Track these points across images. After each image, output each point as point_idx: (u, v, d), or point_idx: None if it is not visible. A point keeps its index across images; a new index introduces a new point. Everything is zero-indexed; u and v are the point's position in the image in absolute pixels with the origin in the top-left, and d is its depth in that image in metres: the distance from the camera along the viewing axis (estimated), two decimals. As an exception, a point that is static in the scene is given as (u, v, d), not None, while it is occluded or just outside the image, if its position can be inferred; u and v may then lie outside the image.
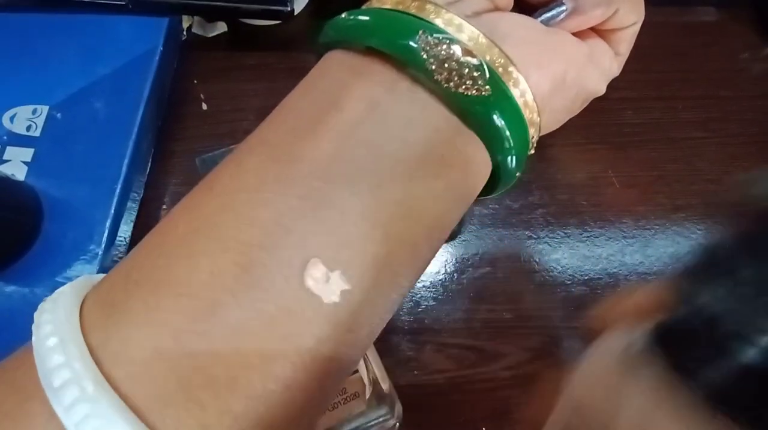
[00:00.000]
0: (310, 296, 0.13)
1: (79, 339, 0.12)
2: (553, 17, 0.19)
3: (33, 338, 0.13)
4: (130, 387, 0.12)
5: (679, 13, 0.32)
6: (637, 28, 0.21)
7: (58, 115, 0.27)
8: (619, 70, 0.22)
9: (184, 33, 0.31)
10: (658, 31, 0.32)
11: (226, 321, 0.13)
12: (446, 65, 0.15)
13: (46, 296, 0.15)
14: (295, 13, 0.29)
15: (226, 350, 0.12)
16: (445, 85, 0.15)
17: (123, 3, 0.28)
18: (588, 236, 0.28)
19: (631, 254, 0.28)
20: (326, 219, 0.14)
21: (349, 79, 0.16)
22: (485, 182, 0.17)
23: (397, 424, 0.23)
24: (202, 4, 0.29)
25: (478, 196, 0.18)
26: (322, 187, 0.14)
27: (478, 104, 0.15)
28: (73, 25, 0.28)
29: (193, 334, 0.12)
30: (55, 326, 0.13)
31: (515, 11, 0.18)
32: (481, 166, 0.16)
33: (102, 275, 0.15)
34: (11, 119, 0.26)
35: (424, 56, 0.15)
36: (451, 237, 0.28)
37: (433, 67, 0.15)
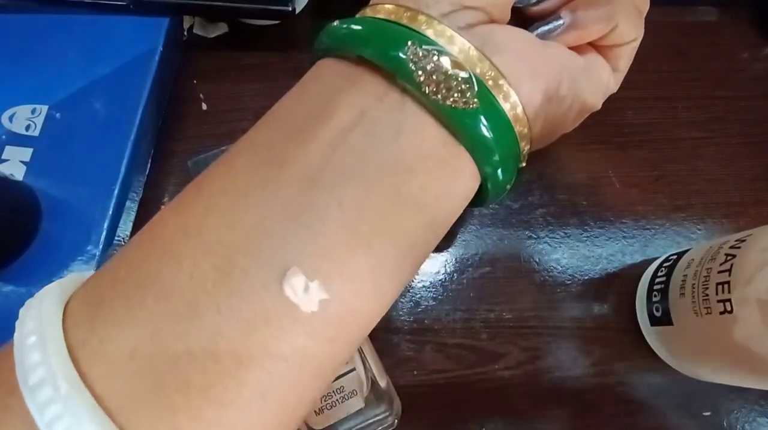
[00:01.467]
0: (287, 304, 0.13)
1: (59, 337, 0.12)
2: (550, 31, 0.19)
3: (15, 334, 0.13)
4: (105, 387, 0.12)
5: (679, 13, 0.32)
6: (636, 44, 0.21)
7: (58, 115, 0.27)
8: (617, 87, 0.21)
9: (185, 33, 0.31)
10: (658, 31, 0.31)
11: (203, 325, 0.13)
12: (434, 77, 0.15)
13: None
14: (296, 13, 0.29)
15: (202, 354, 0.12)
16: (433, 97, 0.15)
17: (123, 3, 0.28)
18: (588, 236, 0.28)
19: (631, 254, 0.28)
20: (307, 226, 0.14)
21: (341, 87, 0.16)
22: (474, 194, 0.17)
23: (396, 421, 0.23)
24: (203, 4, 0.29)
25: (470, 206, 0.18)
26: (307, 193, 0.14)
27: (467, 117, 0.15)
28: (73, 25, 0.28)
29: (171, 336, 0.12)
30: (37, 323, 0.13)
31: (512, 24, 0.18)
32: (469, 178, 0.16)
33: (91, 272, 0.15)
34: (10, 119, 0.26)
35: (413, 68, 0.15)
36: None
37: (422, 78, 0.15)
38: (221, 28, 0.32)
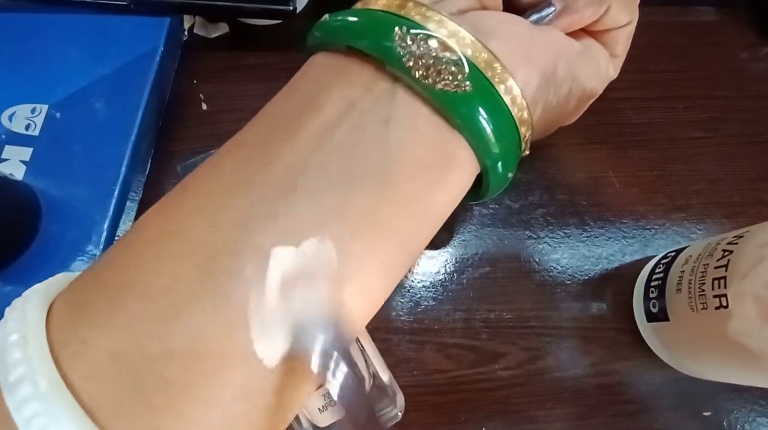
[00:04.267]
0: (271, 303, 0.13)
1: (41, 337, 0.12)
2: (542, 18, 0.19)
3: None
4: (85, 387, 0.12)
5: (678, 13, 0.32)
6: (631, 28, 0.20)
7: (58, 114, 0.27)
8: (617, 73, 0.21)
9: (186, 34, 0.31)
10: (658, 31, 0.32)
11: (186, 325, 0.12)
12: (423, 61, 0.14)
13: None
14: (296, 13, 0.29)
15: (184, 354, 0.12)
16: (424, 81, 0.14)
17: (124, 3, 0.28)
18: (588, 236, 0.28)
19: (631, 254, 0.28)
20: (290, 226, 0.13)
21: (329, 80, 0.15)
22: (471, 184, 0.17)
23: (400, 414, 0.22)
24: (204, 4, 0.29)
25: (470, 200, 0.18)
26: (290, 191, 0.14)
27: (460, 101, 0.15)
28: (73, 24, 0.28)
29: (153, 337, 0.12)
30: (20, 322, 0.12)
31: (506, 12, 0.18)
32: (465, 166, 0.16)
33: (79, 272, 0.15)
34: (10, 118, 0.26)
35: (400, 53, 0.14)
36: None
37: (410, 63, 0.14)
38: (222, 29, 0.32)
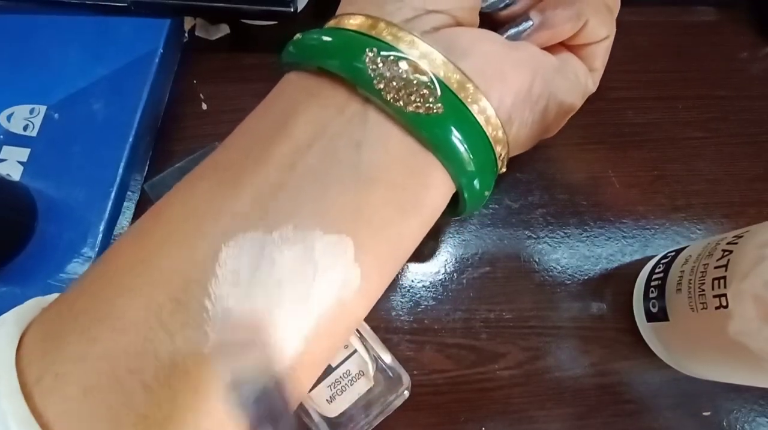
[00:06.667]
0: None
1: (11, 375, 0.12)
2: (519, 32, 0.19)
3: None
4: (60, 425, 0.12)
5: (678, 13, 0.32)
6: (609, 42, 0.20)
7: (56, 115, 0.26)
8: (595, 87, 0.21)
9: (186, 35, 0.31)
10: (657, 31, 0.32)
11: (159, 358, 0.12)
12: (394, 83, 0.14)
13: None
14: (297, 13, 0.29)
15: (157, 387, 0.12)
16: (395, 104, 0.14)
17: (124, 4, 0.28)
18: (588, 236, 0.28)
19: (631, 254, 0.28)
20: (262, 257, 0.13)
21: (301, 101, 0.15)
22: (446, 203, 0.17)
23: (407, 392, 0.22)
24: (204, 6, 0.29)
25: (449, 215, 0.17)
26: (262, 218, 0.14)
27: (432, 123, 0.15)
28: (73, 25, 0.28)
29: (126, 371, 0.12)
30: None
31: (482, 29, 0.18)
32: (440, 187, 0.16)
33: (53, 297, 0.14)
34: (8, 118, 0.26)
35: (371, 75, 0.14)
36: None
37: (381, 86, 0.14)
38: (223, 30, 0.32)
